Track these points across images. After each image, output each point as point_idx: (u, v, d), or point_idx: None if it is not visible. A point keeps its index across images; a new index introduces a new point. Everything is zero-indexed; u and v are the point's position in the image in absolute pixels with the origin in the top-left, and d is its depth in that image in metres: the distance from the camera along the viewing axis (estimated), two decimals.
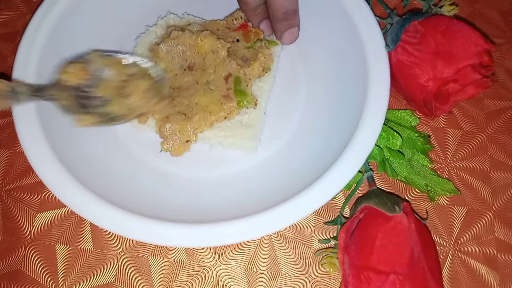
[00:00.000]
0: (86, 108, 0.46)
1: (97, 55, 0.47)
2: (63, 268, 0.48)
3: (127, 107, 0.48)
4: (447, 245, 0.49)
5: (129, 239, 0.49)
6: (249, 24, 0.54)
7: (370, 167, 0.51)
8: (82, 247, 0.49)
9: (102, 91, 0.47)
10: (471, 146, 0.54)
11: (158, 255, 0.49)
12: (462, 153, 0.54)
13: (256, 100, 0.51)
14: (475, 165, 0.53)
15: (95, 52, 0.48)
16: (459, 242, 0.49)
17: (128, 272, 0.48)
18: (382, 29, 0.51)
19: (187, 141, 0.49)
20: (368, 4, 0.52)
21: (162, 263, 0.48)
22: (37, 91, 0.44)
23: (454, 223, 0.50)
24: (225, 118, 0.50)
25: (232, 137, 0.50)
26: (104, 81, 0.47)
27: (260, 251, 0.49)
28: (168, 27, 0.55)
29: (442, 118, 0.56)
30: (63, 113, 0.46)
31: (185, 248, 0.49)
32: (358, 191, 0.51)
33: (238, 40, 0.54)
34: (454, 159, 0.54)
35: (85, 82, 0.46)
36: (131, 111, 0.48)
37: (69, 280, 0.48)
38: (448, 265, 0.48)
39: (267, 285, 0.48)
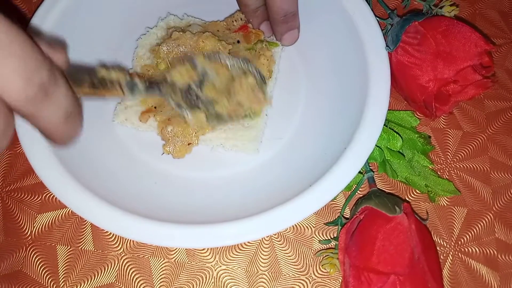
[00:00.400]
0: (195, 107, 0.46)
1: (203, 58, 0.47)
2: (64, 269, 0.48)
3: (234, 105, 0.47)
4: (448, 246, 0.49)
5: (130, 240, 0.49)
6: (249, 25, 0.54)
7: (371, 168, 0.51)
8: (83, 248, 0.49)
9: (207, 92, 0.46)
10: (471, 147, 0.54)
11: (159, 256, 0.49)
12: (462, 154, 0.54)
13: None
14: (476, 166, 0.53)
15: (201, 54, 0.47)
16: (459, 242, 0.50)
17: (129, 272, 0.48)
18: (382, 30, 0.51)
19: (189, 144, 0.49)
20: (369, 4, 0.52)
21: (162, 264, 0.48)
22: (152, 86, 0.43)
23: (454, 224, 0.50)
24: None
25: (234, 139, 0.50)
26: (210, 82, 0.46)
27: (260, 252, 0.49)
28: (168, 28, 0.55)
29: (443, 118, 0.56)
30: (176, 109, 0.46)
31: (186, 249, 0.49)
32: (358, 192, 0.51)
33: (238, 42, 0.54)
34: (455, 159, 0.54)
35: (194, 83, 0.46)
36: (239, 110, 0.47)
37: (70, 280, 0.48)
38: (449, 266, 0.48)
39: (267, 285, 0.48)
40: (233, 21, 0.55)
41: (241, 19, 0.55)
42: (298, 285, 0.48)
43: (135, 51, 0.55)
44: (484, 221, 0.51)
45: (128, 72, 0.44)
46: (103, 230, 0.49)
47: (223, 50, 0.51)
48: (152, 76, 0.51)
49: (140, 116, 0.50)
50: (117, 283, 0.48)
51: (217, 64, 0.47)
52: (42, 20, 0.50)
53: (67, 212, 0.51)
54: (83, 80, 0.37)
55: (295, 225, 0.50)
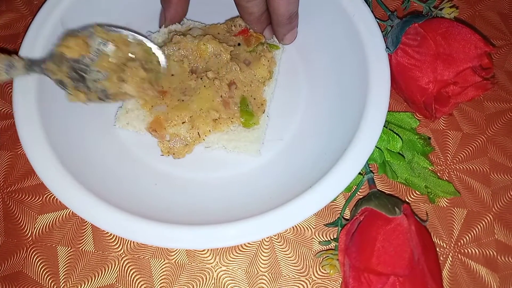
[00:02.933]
0: (83, 82, 0.46)
1: (102, 30, 0.47)
2: (65, 269, 0.48)
3: (120, 91, 0.48)
4: (447, 247, 0.50)
5: (130, 241, 0.50)
6: (249, 29, 0.54)
7: (371, 169, 0.51)
8: (83, 249, 0.49)
9: (101, 64, 0.47)
10: (471, 148, 0.54)
11: (159, 257, 0.49)
12: (462, 155, 0.54)
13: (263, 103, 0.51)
14: (475, 167, 0.53)
15: (100, 26, 0.47)
16: (459, 243, 0.50)
17: (129, 273, 0.48)
18: (382, 32, 0.51)
19: (186, 145, 0.49)
20: (369, 6, 0.52)
21: (163, 265, 0.49)
22: (34, 65, 0.45)
23: (454, 225, 0.50)
24: (227, 124, 0.50)
25: (236, 141, 0.50)
26: (105, 55, 0.47)
27: (260, 253, 0.49)
28: (169, 33, 0.55)
29: (442, 120, 0.56)
30: (59, 87, 0.46)
31: (186, 250, 0.49)
32: (358, 193, 0.51)
33: (239, 44, 0.54)
34: (454, 161, 0.54)
35: (86, 56, 0.46)
36: (123, 95, 0.48)
37: (70, 281, 0.48)
38: (448, 267, 0.49)
39: (267, 286, 0.48)
40: (232, 26, 0.55)
41: (239, 25, 0.55)
42: (298, 286, 0.48)
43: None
44: (483, 222, 0.51)
45: (10, 54, 0.45)
46: (103, 231, 0.50)
47: (225, 52, 0.51)
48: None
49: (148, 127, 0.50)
50: (118, 284, 0.48)
51: (118, 37, 0.48)
52: (43, 21, 0.50)
53: (67, 213, 0.51)
54: None
55: (295, 226, 0.50)
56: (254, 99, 0.51)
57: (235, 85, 0.50)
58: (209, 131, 0.49)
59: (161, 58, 0.50)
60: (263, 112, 0.51)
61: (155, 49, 0.50)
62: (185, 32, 0.54)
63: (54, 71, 0.46)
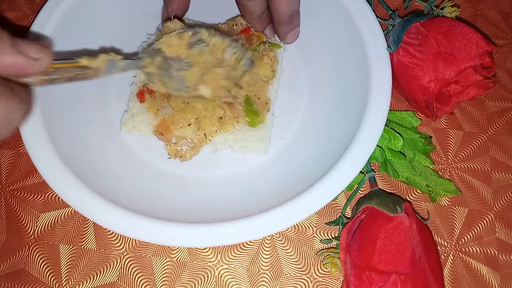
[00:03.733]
0: (168, 70, 0.45)
1: (207, 32, 0.46)
2: (67, 267, 0.49)
3: (196, 87, 0.46)
4: (448, 246, 0.50)
5: (132, 239, 0.50)
6: (251, 28, 0.54)
7: (372, 167, 0.51)
8: (85, 247, 0.49)
9: (192, 57, 0.45)
10: (472, 147, 0.54)
11: (161, 255, 0.49)
12: (463, 154, 0.54)
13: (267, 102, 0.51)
14: (476, 166, 0.53)
15: (208, 28, 0.47)
16: (460, 242, 0.50)
17: (131, 271, 0.48)
18: (383, 31, 0.51)
19: (193, 147, 0.49)
20: (370, 5, 0.52)
21: (165, 263, 0.49)
22: (132, 63, 0.43)
23: (455, 224, 0.50)
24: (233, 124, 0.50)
25: (243, 140, 0.50)
26: (199, 51, 0.45)
27: (262, 251, 0.49)
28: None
29: (444, 119, 0.56)
30: (145, 79, 0.46)
31: (188, 248, 0.49)
32: (359, 191, 0.51)
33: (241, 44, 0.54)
34: (456, 160, 0.54)
35: (184, 55, 0.45)
36: (197, 92, 0.47)
37: (72, 279, 0.48)
38: (449, 265, 0.49)
39: (269, 285, 0.48)
40: (233, 25, 0.55)
41: (241, 24, 0.55)
42: (299, 285, 0.48)
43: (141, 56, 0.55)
44: (485, 221, 0.51)
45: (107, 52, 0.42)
46: (105, 229, 0.50)
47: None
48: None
49: (155, 131, 0.50)
50: (119, 282, 0.48)
51: (220, 44, 0.46)
52: (45, 20, 0.50)
53: (69, 211, 0.51)
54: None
55: (296, 224, 0.50)
56: (259, 98, 0.51)
57: (239, 85, 0.51)
58: (215, 131, 0.49)
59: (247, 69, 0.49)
60: (268, 111, 0.51)
61: (246, 60, 0.48)
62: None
63: (147, 65, 0.44)
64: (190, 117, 0.49)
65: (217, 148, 0.51)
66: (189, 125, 0.49)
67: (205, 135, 0.49)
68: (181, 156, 0.49)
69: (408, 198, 0.52)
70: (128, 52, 0.56)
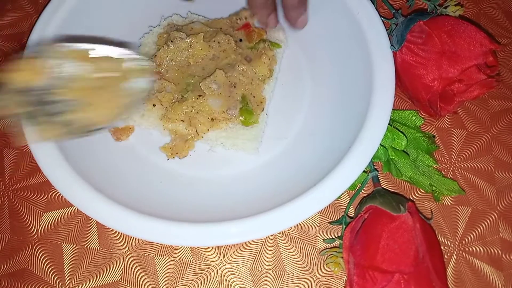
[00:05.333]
0: (50, 116, 0.37)
1: (54, 48, 0.37)
2: (70, 267, 0.49)
3: (87, 119, 0.38)
4: (452, 245, 0.49)
5: (135, 238, 0.50)
6: (252, 24, 0.54)
7: (375, 167, 0.51)
8: (88, 246, 0.50)
9: (70, 92, 0.37)
10: (475, 146, 0.54)
11: (164, 254, 0.49)
12: (466, 153, 0.54)
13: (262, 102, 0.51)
14: (480, 165, 0.53)
15: (53, 44, 0.38)
16: (463, 242, 0.50)
17: (134, 271, 0.48)
18: (387, 29, 0.51)
19: (186, 141, 0.49)
20: (373, 4, 0.52)
21: (167, 262, 0.49)
22: None
23: (458, 223, 0.50)
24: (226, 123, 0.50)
25: (234, 138, 0.50)
26: (71, 79, 0.37)
27: (265, 251, 0.49)
28: (168, 25, 0.55)
29: (447, 118, 0.56)
30: (23, 123, 0.38)
31: (191, 247, 0.49)
32: (363, 191, 0.51)
33: (241, 40, 0.54)
34: (459, 159, 0.54)
35: (45, 82, 0.36)
36: (92, 123, 0.39)
37: (75, 278, 0.48)
38: (453, 265, 0.49)
39: (272, 284, 0.48)
40: (237, 20, 0.55)
41: (245, 18, 0.54)
42: (302, 284, 0.48)
43: (138, 49, 0.55)
44: (488, 221, 0.51)
45: None
46: (108, 228, 0.50)
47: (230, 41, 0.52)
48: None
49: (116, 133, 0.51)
50: (122, 281, 0.48)
51: (77, 54, 0.37)
52: (48, 20, 0.51)
53: (73, 210, 0.51)
54: None
55: (299, 224, 0.50)
56: (254, 97, 0.51)
57: (235, 84, 0.51)
58: (207, 130, 0.49)
59: (143, 81, 0.41)
60: (262, 111, 0.51)
61: (138, 68, 0.42)
62: (182, 25, 0.54)
63: (6, 104, 0.36)
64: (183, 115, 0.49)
65: (210, 145, 0.51)
66: (182, 121, 0.49)
67: (196, 131, 0.49)
68: (177, 153, 0.49)
69: (411, 198, 0.51)
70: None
